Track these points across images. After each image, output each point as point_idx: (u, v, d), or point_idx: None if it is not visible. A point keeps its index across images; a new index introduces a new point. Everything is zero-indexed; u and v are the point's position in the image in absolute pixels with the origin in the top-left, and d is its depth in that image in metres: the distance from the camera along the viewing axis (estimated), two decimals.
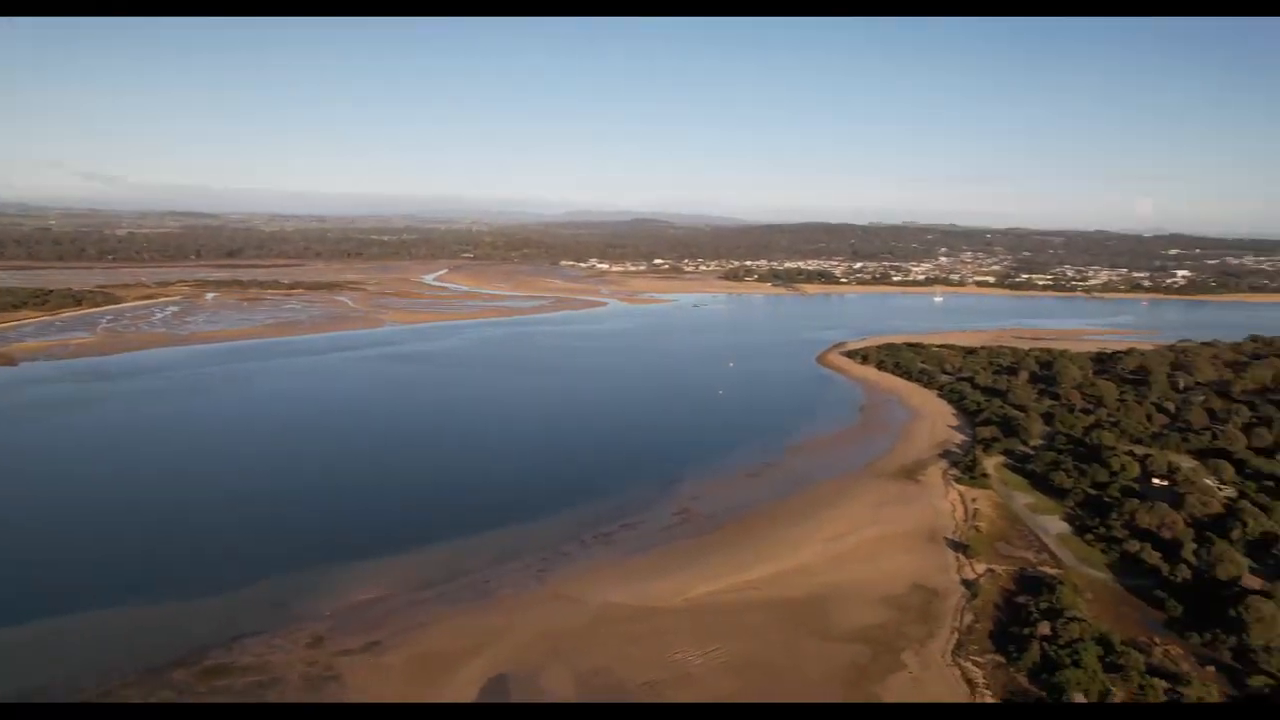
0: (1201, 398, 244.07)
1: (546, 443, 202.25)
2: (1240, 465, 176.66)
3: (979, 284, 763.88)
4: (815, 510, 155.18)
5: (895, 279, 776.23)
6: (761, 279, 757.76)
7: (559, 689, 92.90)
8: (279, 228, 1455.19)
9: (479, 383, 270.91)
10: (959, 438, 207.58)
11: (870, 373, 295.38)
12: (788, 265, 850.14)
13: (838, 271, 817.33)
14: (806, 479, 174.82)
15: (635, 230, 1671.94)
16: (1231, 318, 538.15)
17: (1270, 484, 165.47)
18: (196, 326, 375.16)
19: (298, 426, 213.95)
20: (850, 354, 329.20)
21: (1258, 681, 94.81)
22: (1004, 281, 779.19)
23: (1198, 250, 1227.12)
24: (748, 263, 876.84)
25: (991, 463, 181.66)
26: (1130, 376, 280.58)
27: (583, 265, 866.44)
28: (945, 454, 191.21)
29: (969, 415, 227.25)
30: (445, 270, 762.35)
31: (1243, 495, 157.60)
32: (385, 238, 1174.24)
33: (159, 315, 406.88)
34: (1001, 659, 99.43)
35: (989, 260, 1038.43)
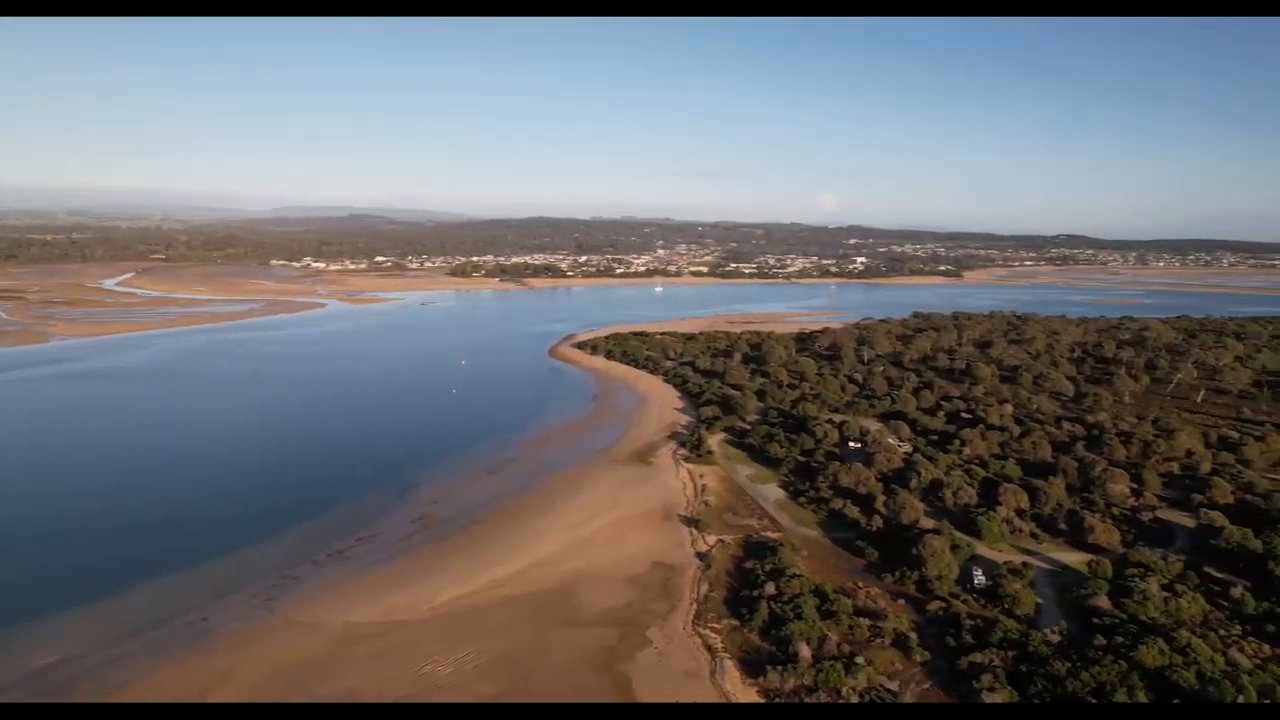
0: (881, 368, 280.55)
1: (268, 459, 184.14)
2: (913, 424, 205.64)
3: (694, 274, 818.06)
4: (556, 501, 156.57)
5: (618, 271, 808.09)
6: (489, 274, 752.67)
7: None
8: None
9: (179, 400, 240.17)
10: (685, 419, 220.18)
11: (600, 362, 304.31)
12: (515, 260, 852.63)
13: (564, 265, 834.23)
14: (546, 470, 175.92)
15: (353, 227, 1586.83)
16: (899, 298, 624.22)
17: (935, 437, 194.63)
18: None
19: None
20: (580, 345, 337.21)
21: (934, 606, 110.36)
22: (716, 271, 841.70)
23: (871, 240, 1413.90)
24: (474, 258, 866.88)
25: (715, 440, 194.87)
26: (825, 353, 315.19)
27: (297, 265, 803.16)
28: (674, 435, 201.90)
29: (692, 397, 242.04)
30: (132, 274, 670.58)
31: (916, 449, 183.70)
32: (48, 237, 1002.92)
33: None
34: (736, 622, 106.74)
35: (702, 252, 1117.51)
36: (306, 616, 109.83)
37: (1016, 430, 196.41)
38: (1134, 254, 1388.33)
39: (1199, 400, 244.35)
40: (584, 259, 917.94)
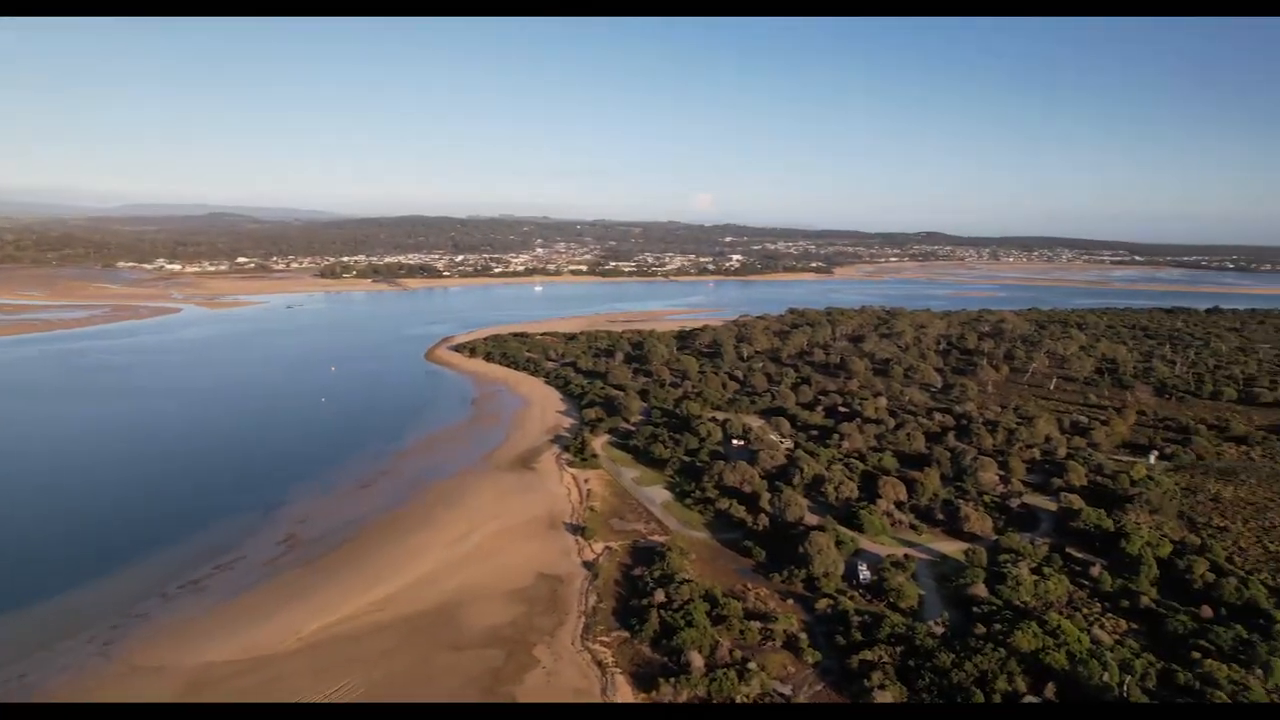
0: (761, 364, 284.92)
1: (113, 482, 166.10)
2: (794, 419, 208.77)
3: (574, 273, 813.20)
4: (436, 513, 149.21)
5: (497, 271, 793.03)
6: (361, 275, 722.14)
7: None
8: None
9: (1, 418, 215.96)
10: (568, 421, 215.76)
11: (479, 365, 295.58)
12: (389, 260, 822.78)
13: (440, 265, 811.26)
14: (424, 481, 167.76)
15: (212, 226, 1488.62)
16: (774, 294, 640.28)
17: (815, 432, 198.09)
18: None
19: None
20: (459, 348, 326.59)
21: (822, 604, 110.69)
22: (595, 270, 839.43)
23: (746, 238, 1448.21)
24: (345, 259, 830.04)
25: (599, 442, 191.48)
26: (706, 350, 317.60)
27: (149, 267, 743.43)
28: (557, 439, 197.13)
29: (575, 399, 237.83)
30: None
31: (797, 445, 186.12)
32: None
33: None
34: (626, 634, 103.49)
35: (581, 250, 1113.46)
36: (152, 660, 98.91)
37: (891, 423, 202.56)
38: (987, 250, 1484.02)
39: (1052, 387, 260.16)
40: (461, 258, 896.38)
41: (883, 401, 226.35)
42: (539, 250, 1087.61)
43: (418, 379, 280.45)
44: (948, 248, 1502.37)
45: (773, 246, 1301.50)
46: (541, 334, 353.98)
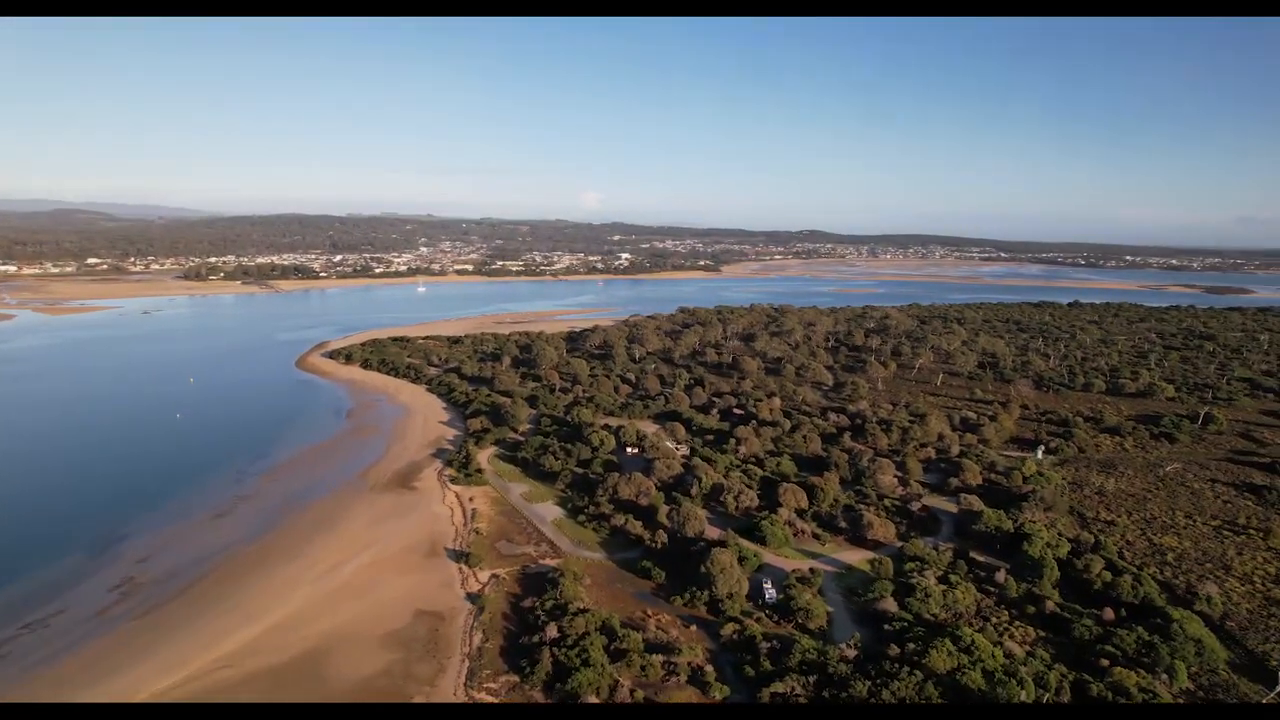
0: (653, 366, 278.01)
1: None
2: (689, 424, 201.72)
3: (459, 272, 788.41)
4: (303, 543, 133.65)
5: (378, 271, 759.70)
6: (230, 277, 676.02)
7: None
8: None
9: None
10: (452, 432, 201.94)
11: (356, 372, 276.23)
12: (261, 261, 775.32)
13: (316, 265, 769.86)
14: (290, 506, 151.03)
15: (60, 224, 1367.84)
16: (664, 292, 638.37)
17: (711, 437, 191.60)
18: None
19: None
20: (334, 354, 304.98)
21: (728, 630, 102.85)
22: (482, 269, 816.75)
23: (634, 236, 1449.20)
24: (212, 259, 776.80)
25: (485, 455, 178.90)
26: (597, 352, 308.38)
27: None
28: (439, 452, 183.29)
29: (459, 407, 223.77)
30: None
31: (694, 451, 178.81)
32: None
33: None
34: (516, 678, 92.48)
35: (467, 249, 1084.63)
36: None
37: (787, 424, 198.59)
38: (866, 247, 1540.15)
39: (938, 383, 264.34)
40: (340, 258, 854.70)
41: (777, 402, 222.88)
42: (423, 249, 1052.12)
43: (287, 390, 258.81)
44: (829, 245, 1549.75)
45: (661, 245, 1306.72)
46: (424, 338, 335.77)
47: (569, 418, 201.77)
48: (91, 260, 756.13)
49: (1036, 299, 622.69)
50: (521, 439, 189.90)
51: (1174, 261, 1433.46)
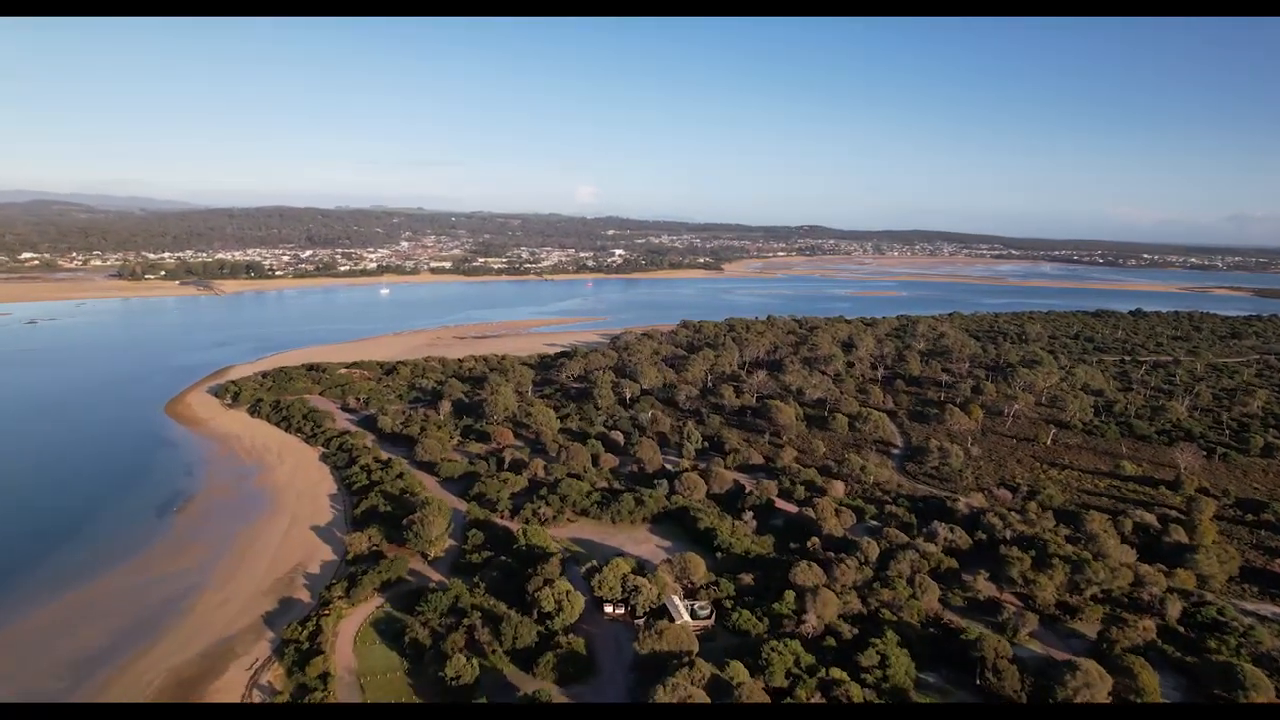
0: (650, 414, 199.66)
1: None
2: (710, 541, 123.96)
3: (434, 270, 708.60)
4: None
5: (343, 269, 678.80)
6: (170, 276, 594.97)
7: None
8: None
9: None
10: (323, 551, 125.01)
11: (238, 422, 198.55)
12: (208, 258, 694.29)
13: (269, 264, 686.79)
14: None
15: (30, 214, 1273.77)
16: (660, 295, 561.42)
17: (748, 576, 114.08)
18: None
19: None
20: (223, 389, 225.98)
21: None
22: (460, 267, 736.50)
23: (629, 231, 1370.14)
24: (152, 255, 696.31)
25: (351, 625, 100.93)
26: (575, 387, 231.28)
27: None
28: (282, 609, 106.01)
29: (352, 496, 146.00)
30: None
31: (719, 616, 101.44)
32: None
33: None
34: None
35: (452, 244, 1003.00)
36: None
37: (872, 549, 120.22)
38: (870, 243, 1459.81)
39: (1049, 442, 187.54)
40: (308, 254, 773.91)
41: (840, 489, 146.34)
42: (403, 244, 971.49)
43: (131, 449, 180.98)
44: (831, 241, 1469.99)
45: (657, 240, 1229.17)
46: (349, 365, 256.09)
47: (515, 542, 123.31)
48: (25, 255, 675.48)
49: (1076, 304, 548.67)
50: (427, 584, 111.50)
51: (1194, 260, 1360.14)
